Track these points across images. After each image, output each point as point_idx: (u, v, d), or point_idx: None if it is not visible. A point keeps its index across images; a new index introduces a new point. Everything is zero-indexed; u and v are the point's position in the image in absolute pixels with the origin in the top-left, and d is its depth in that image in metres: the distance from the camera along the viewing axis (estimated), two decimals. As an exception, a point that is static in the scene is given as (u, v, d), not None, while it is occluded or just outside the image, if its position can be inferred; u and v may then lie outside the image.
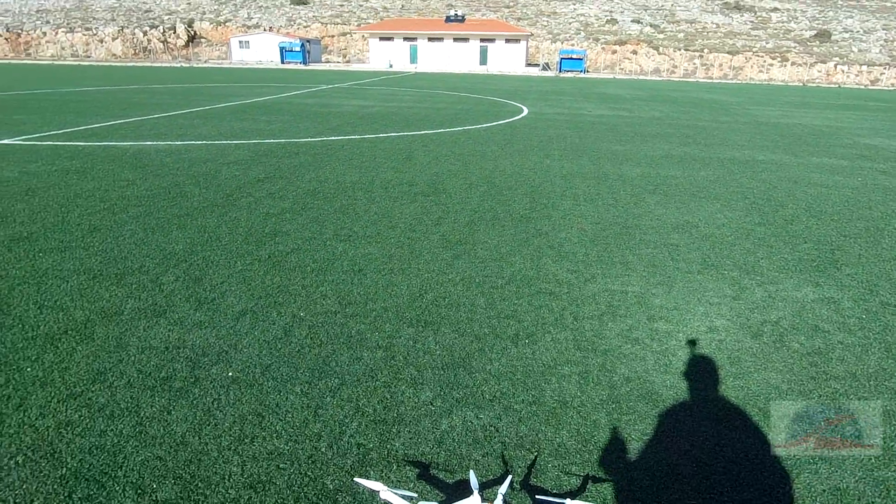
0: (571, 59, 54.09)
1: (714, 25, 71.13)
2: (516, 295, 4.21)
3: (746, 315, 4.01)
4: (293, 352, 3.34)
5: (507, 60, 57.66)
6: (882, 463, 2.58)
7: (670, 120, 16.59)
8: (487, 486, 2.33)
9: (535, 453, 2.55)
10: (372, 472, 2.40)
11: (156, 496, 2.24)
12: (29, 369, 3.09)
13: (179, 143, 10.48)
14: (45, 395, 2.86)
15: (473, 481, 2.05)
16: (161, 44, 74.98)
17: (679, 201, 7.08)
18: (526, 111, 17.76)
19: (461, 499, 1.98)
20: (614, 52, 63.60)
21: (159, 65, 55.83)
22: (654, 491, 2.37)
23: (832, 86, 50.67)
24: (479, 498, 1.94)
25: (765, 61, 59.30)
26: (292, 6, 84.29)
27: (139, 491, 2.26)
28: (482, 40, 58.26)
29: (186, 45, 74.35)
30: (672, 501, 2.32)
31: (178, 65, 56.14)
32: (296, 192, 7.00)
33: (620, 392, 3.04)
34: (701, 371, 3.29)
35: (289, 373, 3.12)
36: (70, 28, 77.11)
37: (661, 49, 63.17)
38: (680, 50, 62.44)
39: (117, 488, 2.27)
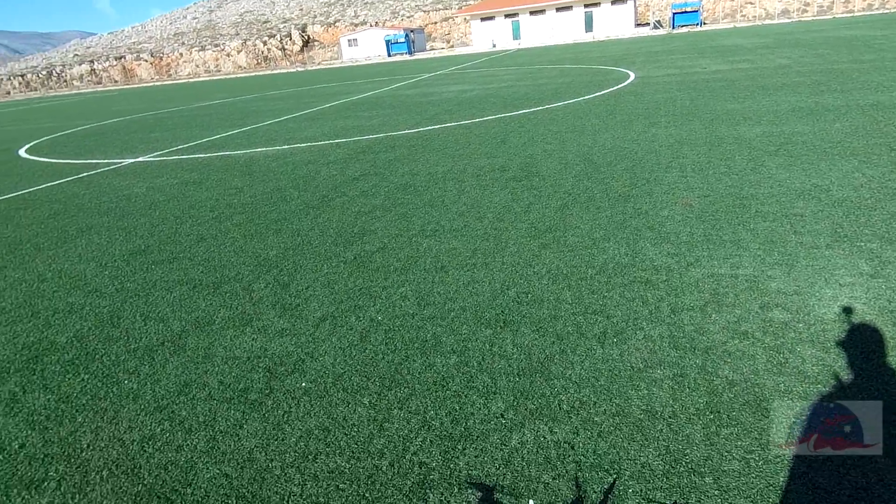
0: (685, 12, 50.14)
1: (856, -48, 62.52)
2: (607, 286, 3.86)
3: (888, 297, 3.37)
4: (367, 359, 3.27)
5: (615, 24, 54.69)
6: None
7: (799, 66, 14.76)
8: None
9: (614, 476, 2.27)
10: (431, 496, 2.26)
11: (221, 516, 2.26)
12: (126, 382, 3.28)
13: (286, 146, 10.96)
14: (135, 408, 3.02)
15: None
16: (279, 51, 79.68)
17: (807, 162, 6.20)
18: (632, 77, 16.66)
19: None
20: (735, -2, 58.10)
21: (278, 71, 59.33)
22: (758, 524, 2.01)
23: None
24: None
25: (922, -15, 51.20)
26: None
27: (206, 510, 2.29)
28: (586, 6, 55.71)
29: (301, 50, 78.44)
30: (780, 538, 1.95)
31: (294, 69, 59.29)
32: (388, 188, 7.01)
33: (722, 399, 2.65)
34: (826, 372, 2.79)
35: (360, 383, 3.05)
36: (202, 46, 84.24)
37: (790, -12, 56.69)
38: (814, -15, 55.66)
39: (187, 506, 2.32)
